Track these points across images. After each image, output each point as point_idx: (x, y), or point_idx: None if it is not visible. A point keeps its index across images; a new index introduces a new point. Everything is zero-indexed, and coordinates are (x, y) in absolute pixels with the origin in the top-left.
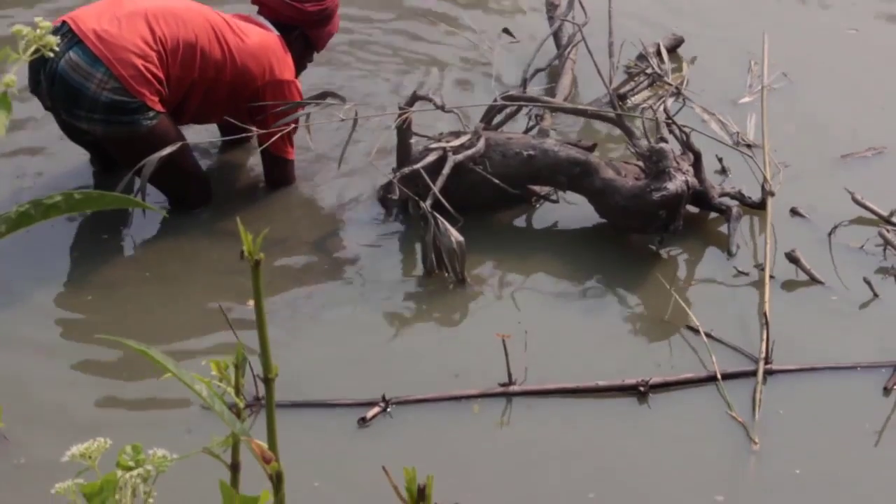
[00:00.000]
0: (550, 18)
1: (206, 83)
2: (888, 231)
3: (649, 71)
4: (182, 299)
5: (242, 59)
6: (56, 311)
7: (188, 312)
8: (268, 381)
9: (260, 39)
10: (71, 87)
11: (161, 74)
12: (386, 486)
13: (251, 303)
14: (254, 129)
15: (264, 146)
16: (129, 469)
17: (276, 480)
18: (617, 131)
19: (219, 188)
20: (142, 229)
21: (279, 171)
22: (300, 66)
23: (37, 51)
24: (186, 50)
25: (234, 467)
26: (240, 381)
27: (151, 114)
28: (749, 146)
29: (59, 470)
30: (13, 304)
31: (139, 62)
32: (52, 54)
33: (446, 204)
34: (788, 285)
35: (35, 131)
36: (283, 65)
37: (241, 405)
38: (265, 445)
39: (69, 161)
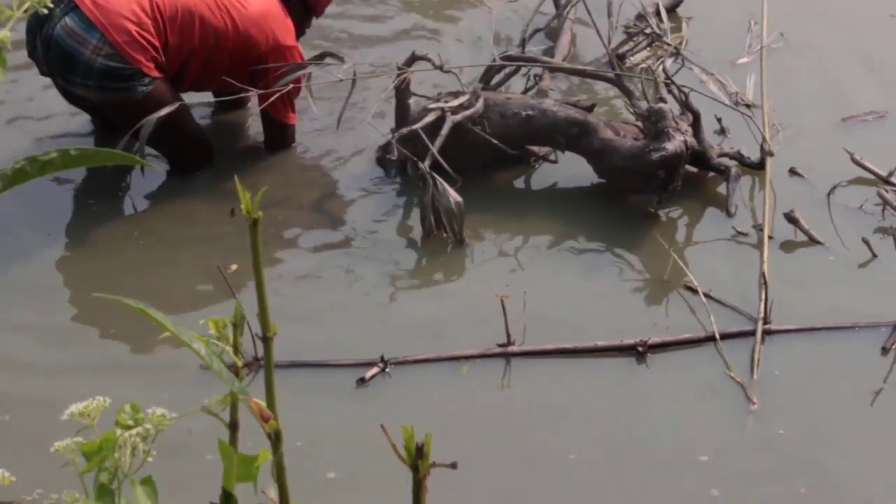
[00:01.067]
0: None
1: (207, 51)
2: (887, 191)
3: (648, 31)
4: (171, 259)
5: (245, 27)
6: (37, 269)
7: (176, 272)
8: (266, 340)
9: (261, 6)
10: (66, 52)
11: (157, 42)
12: (385, 446)
13: (234, 266)
14: (252, 90)
15: (263, 107)
16: (128, 428)
17: (275, 439)
18: (616, 91)
19: (217, 151)
20: (139, 191)
21: (279, 135)
22: (299, 32)
23: (35, 10)
24: (185, 17)
25: (233, 426)
26: (238, 339)
27: (147, 80)
28: (748, 106)
29: (46, 428)
30: None
31: (133, 28)
32: (45, 11)
33: (445, 164)
34: (787, 245)
35: (34, 88)
36: (285, 30)
37: (240, 364)
38: (264, 404)
39: (68, 118)
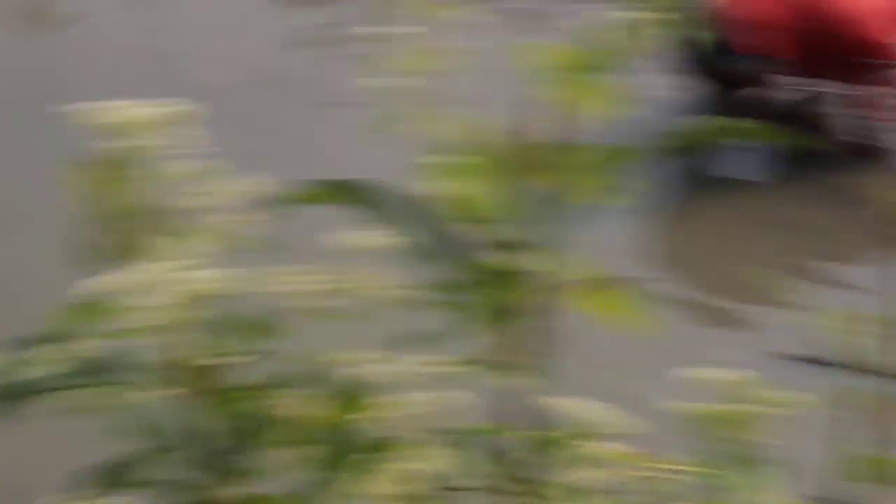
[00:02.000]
0: None
1: (819, 39)
2: None
3: None
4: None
5: (857, 19)
6: None
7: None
8: None
9: None
10: None
11: (783, 24)
12: None
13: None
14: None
15: (865, 107)
16: (760, 404)
17: None
18: None
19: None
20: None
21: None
22: None
23: None
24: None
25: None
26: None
27: (769, 62)
28: None
29: None
30: None
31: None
32: None
33: None
34: None
35: None
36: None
37: None
38: None
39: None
